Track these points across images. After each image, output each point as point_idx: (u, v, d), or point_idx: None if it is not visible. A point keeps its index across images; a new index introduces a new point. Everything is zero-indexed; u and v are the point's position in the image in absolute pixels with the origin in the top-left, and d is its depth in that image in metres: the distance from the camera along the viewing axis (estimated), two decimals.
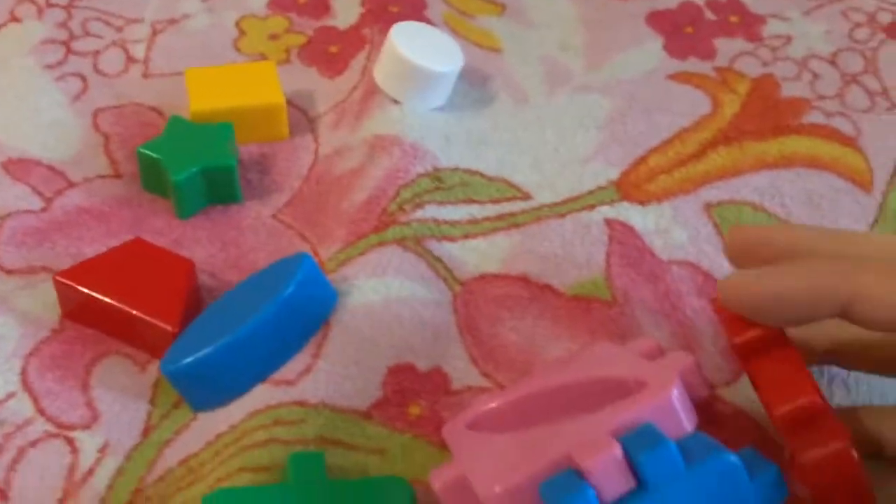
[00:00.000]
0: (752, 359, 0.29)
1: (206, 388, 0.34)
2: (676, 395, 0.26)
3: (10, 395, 0.34)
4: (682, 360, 0.28)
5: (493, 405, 0.31)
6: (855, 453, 0.27)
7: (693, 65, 0.49)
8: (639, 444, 0.25)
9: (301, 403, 0.34)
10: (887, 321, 0.24)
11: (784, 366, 0.29)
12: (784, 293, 0.26)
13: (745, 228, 0.30)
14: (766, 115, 0.47)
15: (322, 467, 0.31)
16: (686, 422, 0.27)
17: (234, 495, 0.30)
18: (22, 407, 0.34)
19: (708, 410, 0.29)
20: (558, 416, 0.28)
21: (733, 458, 0.26)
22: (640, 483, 0.25)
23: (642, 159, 0.44)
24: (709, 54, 0.50)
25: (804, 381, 0.28)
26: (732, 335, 0.30)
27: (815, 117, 0.47)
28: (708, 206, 0.43)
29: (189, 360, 0.33)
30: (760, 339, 0.29)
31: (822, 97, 0.48)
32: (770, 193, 0.43)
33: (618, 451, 0.25)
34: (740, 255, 0.30)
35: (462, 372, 0.36)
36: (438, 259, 0.40)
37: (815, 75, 0.49)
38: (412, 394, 0.35)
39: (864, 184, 0.44)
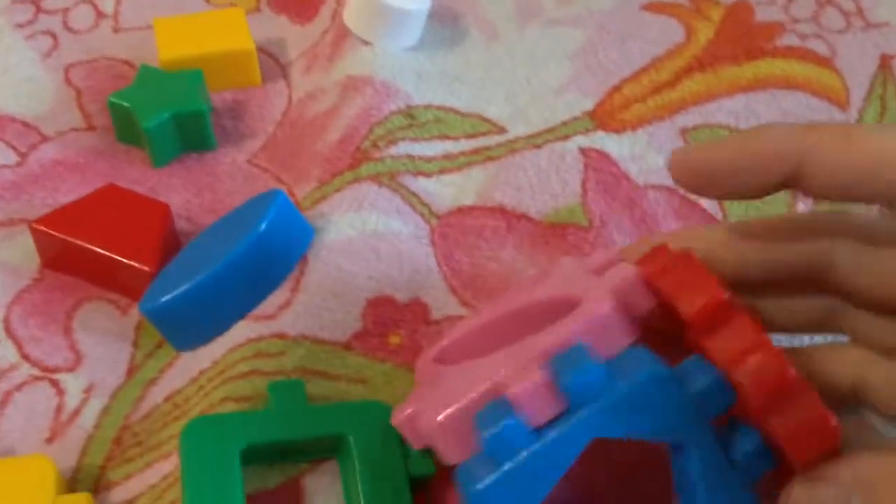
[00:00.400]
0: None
1: (185, 325, 0.34)
2: (607, 311, 0.26)
3: None
4: (623, 272, 0.27)
5: (454, 337, 0.31)
6: (781, 356, 0.24)
7: None
8: (563, 365, 0.25)
9: (281, 336, 0.34)
10: (837, 183, 0.23)
11: (689, 272, 0.26)
12: (734, 157, 0.25)
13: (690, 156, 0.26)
14: (740, 40, 0.47)
15: (302, 394, 0.32)
16: (622, 337, 0.26)
17: (213, 421, 0.30)
18: (6, 353, 0.34)
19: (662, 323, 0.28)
20: (507, 342, 0.28)
21: (662, 369, 0.25)
22: (570, 405, 0.25)
23: (616, 88, 0.44)
24: None
25: (710, 279, 0.26)
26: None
27: (789, 40, 0.47)
28: (684, 131, 0.43)
29: (166, 297, 0.33)
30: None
31: (796, 20, 0.48)
32: (745, 115, 0.43)
33: (540, 375, 0.25)
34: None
35: (441, 302, 0.37)
36: (414, 194, 0.40)
37: None
38: (392, 324, 0.36)
39: (840, 102, 0.44)
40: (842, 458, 0.24)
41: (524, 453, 0.25)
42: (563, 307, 0.27)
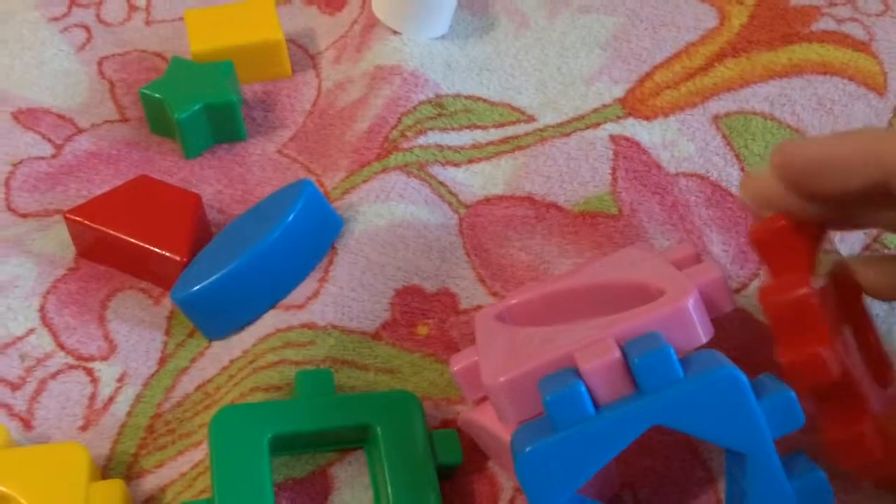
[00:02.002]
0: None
1: (216, 314, 0.34)
2: (691, 306, 0.26)
3: (31, 331, 0.35)
4: (710, 271, 0.28)
5: (522, 299, 0.31)
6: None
7: None
8: (638, 349, 0.25)
9: (310, 326, 0.34)
10: None
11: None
12: (831, 156, 0.25)
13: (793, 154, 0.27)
14: (775, 25, 0.46)
15: (330, 383, 0.32)
16: (700, 334, 0.26)
17: (242, 411, 0.31)
18: (42, 341, 0.35)
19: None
20: (578, 316, 0.28)
21: (737, 371, 0.25)
22: (638, 389, 0.25)
23: (648, 75, 0.44)
24: None
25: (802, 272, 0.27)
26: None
27: (825, 24, 0.46)
28: (716, 118, 0.42)
29: (198, 286, 0.34)
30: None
31: (832, 4, 0.47)
32: (780, 102, 0.43)
33: (616, 354, 0.25)
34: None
35: (470, 292, 0.37)
36: (442, 183, 0.40)
37: None
38: (420, 314, 0.36)
39: (877, 87, 0.43)
40: None
41: (581, 424, 0.25)
42: (638, 293, 0.28)
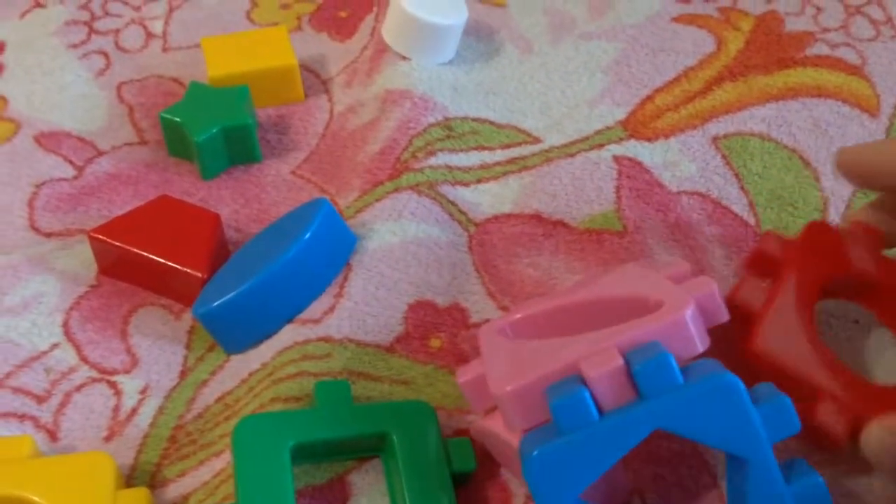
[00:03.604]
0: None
1: (235, 328, 0.36)
2: (689, 317, 0.27)
3: (55, 346, 0.36)
4: (704, 285, 0.29)
5: (524, 314, 0.33)
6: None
7: (696, 6, 0.50)
8: (639, 357, 0.26)
9: (327, 339, 0.36)
10: None
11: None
12: (882, 163, 0.28)
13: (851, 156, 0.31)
14: (771, 50, 0.47)
15: (348, 394, 0.33)
16: (698, 344, 0.27)
17: (263, 420, 0.32)
18: (66, 356, 0.36)
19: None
20: (579, 329, 0.30)
21: (734, 378, 0.26)
22: (640, 395, 0.26)
23: (649, 98, 0.45)
24: None
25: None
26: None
27: (819, 49, 0.47)
28: (715, 139, 0.44)
29: (218, 302, 0.35)
30: None
31: (826, 30, 0.48)
32: (777, 123, 0.44)
33: (619, 362, 0.26)
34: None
35: (480, 306, 0.38)
36: (452, 202, 0.41)
37: (819, 9, 0.50)
38: (433, 327, 0.37)
39: (870, 109, 0.45)
40: None
41: (586, 428, 0.26)
42: (638, 306, 0.29)
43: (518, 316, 0.33)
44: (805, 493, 0.27)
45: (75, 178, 0.43)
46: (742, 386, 0.26)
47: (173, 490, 0.33)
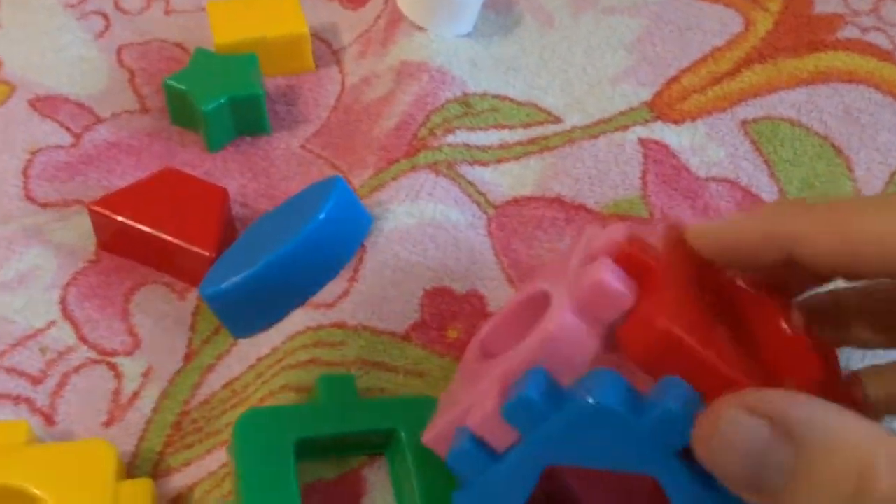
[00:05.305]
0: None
1: (244, 312, 0.34)
2: (558, 330, 0.24)
3: (51, 324, 0.34)
4: (593, 275, 0.24)
5: (490, 327, 0.30)
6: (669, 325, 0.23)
7: None
8: (512, 391, 0.24)
9: (340, 325, 0.34)
10: (826, 265, 0.23)
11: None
12: (739, 239, 0.25)
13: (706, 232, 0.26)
14: (800, 32, 0.46)
15: (352, 388, 0.31)
16: (583, 352, 0.24)
17: (266, 414, 0.30)
18: (63, 335, 0.34)
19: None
20: (518, 338, 0.27)
21: (592, 400, 0.22)
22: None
23: (675, 79, 0.44)
24: None
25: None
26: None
27: (850, 32, 0.46)
28: (744, 124, 0.42)
29: (227, 283, 0.33)
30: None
31: (856, 13, 0.47)
32: (807, 109, 0.42)
33: (489, 407, 0.24)
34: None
35: (499, 293, 0.36)
36: (471, 183, 0.39)
37: None
38: (450, 316, 0.35)
39: None
40: (799, 397, 0.20)
41: (480, 476, 0.25)
42: (545, 303, 0.26)
43: (486, 330, 0.30)
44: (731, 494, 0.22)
45: (73, 145, 0.40)
46: (612, 405, 0.22)
47: (178, 480, 0.31)
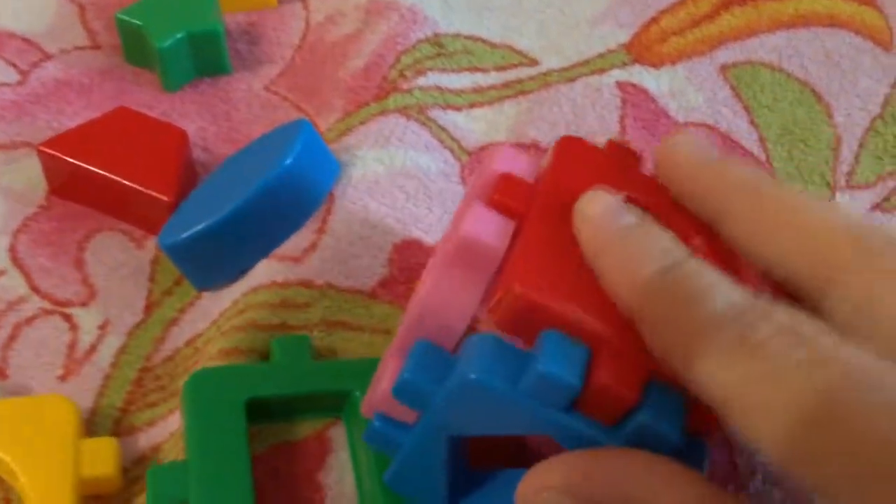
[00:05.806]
0: None
1: (207, 263, 0.32)
2: (432, 293, 0.22)
3: (1, 273, 0.33)
4: (462, 233, 0.22)
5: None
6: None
7: None
8: (403, 370, 0.23)
9: (307, 285, 0.32)
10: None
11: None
12: None
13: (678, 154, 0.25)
14: None
15: (307, 348, 0.30)
16: (457, 321, 0.23)
17: (216, 374, 0.29)
18: (14, 284, 0.32)
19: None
20: None
21: (473, 375, 0.21)
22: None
23: (653, 20, 0.42)
24: None
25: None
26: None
27: None
28: (724, 68, 0.41)
29: (188, 233, 0.31)
30: None
31: None
32: (787, 53, 0.41)
33: (386, 384, 0.24)
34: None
35: None
36: (443, 128, 0.38)
37: None
38: (419, 269, 0.34)
39: (883, 42, 0.42)
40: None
41: (397, 454, 0.25)
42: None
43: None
44: (634, 438, 0.21)
45: (19, 83, 0.38)
46: (483, 380, 0.21)
47: (143, 440, 0.30)
